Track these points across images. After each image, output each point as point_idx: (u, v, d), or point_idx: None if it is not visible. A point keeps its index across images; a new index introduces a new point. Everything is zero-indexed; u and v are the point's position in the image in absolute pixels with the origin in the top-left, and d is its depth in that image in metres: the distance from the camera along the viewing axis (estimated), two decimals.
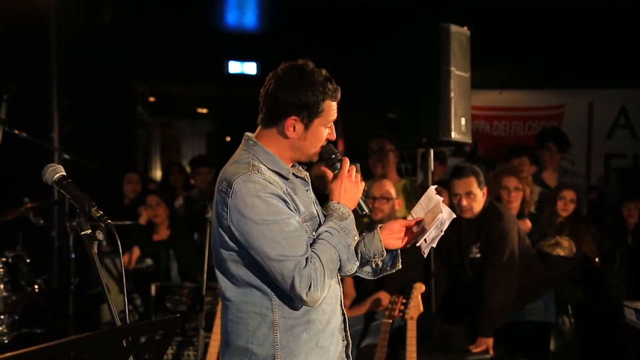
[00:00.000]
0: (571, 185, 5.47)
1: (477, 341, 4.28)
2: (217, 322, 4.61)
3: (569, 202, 5.26)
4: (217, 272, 2.43)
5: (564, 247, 4.93)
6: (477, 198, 4.44)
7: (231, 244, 2.32)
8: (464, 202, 4.43)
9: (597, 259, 5.19)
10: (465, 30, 4.44)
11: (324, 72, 2.38)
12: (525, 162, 5.68)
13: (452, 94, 4.31)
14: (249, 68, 8.85)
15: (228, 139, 12.30)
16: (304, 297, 2.24)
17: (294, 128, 2.36)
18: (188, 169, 7.71)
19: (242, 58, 8.75)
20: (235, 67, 8.81)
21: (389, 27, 6.47)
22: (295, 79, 2.33)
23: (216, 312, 4.73)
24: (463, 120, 4.42)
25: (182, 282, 5.78)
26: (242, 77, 8.86)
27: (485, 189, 4.49)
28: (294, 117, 2.34)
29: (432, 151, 4.62)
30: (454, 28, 4.33)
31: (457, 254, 4.55)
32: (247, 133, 2.47)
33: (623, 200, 5.52)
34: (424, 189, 3.04)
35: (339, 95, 2.41)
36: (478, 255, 4.46)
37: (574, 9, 6.68)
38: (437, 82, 4.32)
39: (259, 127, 2.44)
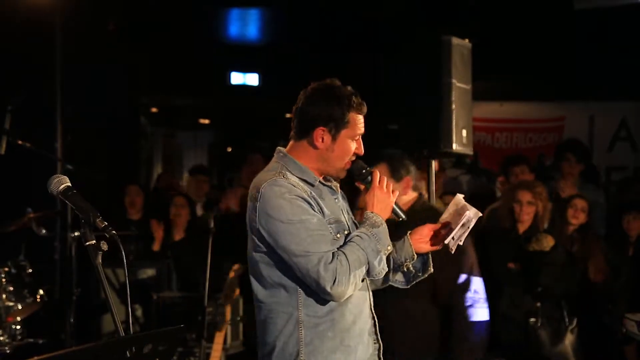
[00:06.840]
0: (584, 195, 5.36)
1: None
2: (218, 333, 4.62)
3: (580, 210, 5.16)
4: (250, 276, 2.60)
5: (540, 241, 4.88)
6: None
7: (261, 245, 2.51)
8: None
9: (603, 273, 5.12)
10: (466, 42, 4.46)
11: (349, 88, 2.60)
12: (525, 171, 5.67)
13: (453, 106, 4.32)
14: (251, 79, 8.88)
15: (229, 149, 12.32)
16: (329, 290, 2.39)
17: (322, 139, 2.56)
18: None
19: (244, 69, 8.78)
20: (237, 78, 8.84)
21: (391, 39, 6.49)
22: (321, 94, 2.58)
23: (217, 323, 4.74)
24: (464, 132, 4.43)
25: (183, 292, 5.78)
26: (244, 88, 8.89)
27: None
28: (322, 128, 2.55)
29: (433, 163, 4.63)
30: (455, 40, 4.35)
31: None
32: (279, 147, 2.68)
33: (623, 212, 5.47)
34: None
35: (364, 109, 2.62)
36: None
37: (575, 22, 6.70)
38: (439, 94, 4.33)
39: (291, 141, 2.65)
